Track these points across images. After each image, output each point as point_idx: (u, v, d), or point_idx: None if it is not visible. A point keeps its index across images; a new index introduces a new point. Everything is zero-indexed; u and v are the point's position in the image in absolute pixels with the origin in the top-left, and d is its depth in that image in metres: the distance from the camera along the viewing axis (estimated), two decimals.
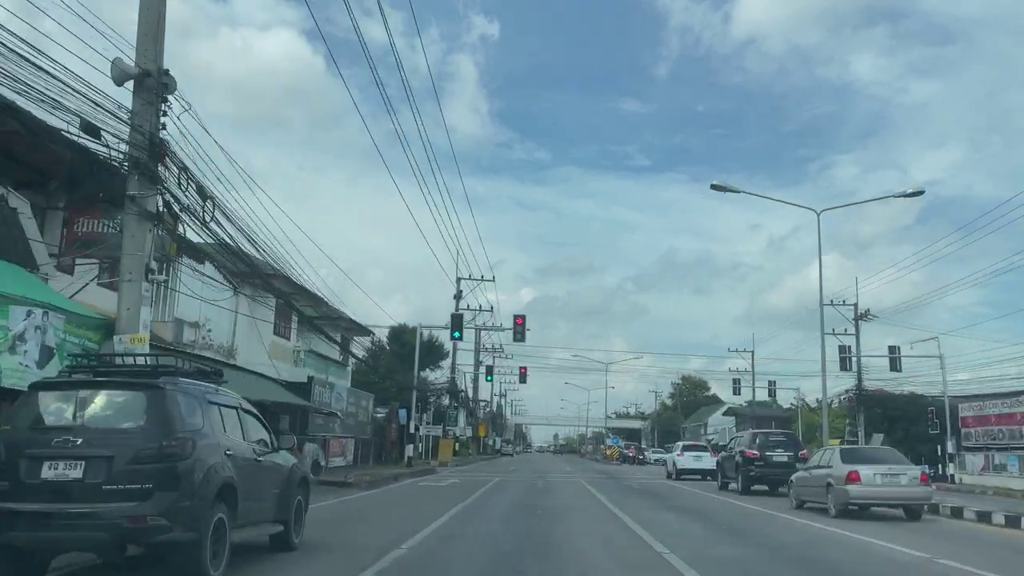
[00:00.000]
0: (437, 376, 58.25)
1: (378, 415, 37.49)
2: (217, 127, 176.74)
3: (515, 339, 32.14)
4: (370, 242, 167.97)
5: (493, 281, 46.07)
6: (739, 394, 60.70)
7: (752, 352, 73.46)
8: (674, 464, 30.56)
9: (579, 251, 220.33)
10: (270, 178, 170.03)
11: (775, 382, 59.04)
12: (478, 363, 60.29)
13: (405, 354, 57.59)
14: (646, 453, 59.43)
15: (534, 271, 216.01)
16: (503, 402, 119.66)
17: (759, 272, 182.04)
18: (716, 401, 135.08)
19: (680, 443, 32.83)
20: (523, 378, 54.22)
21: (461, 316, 33.53)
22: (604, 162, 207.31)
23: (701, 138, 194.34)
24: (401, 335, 59.99)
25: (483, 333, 65.26)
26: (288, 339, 25.68)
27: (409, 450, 32.98)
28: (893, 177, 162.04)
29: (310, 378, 25.09)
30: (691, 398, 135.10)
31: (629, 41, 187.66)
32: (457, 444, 54.59)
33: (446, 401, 55.22)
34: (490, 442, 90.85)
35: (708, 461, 30.16)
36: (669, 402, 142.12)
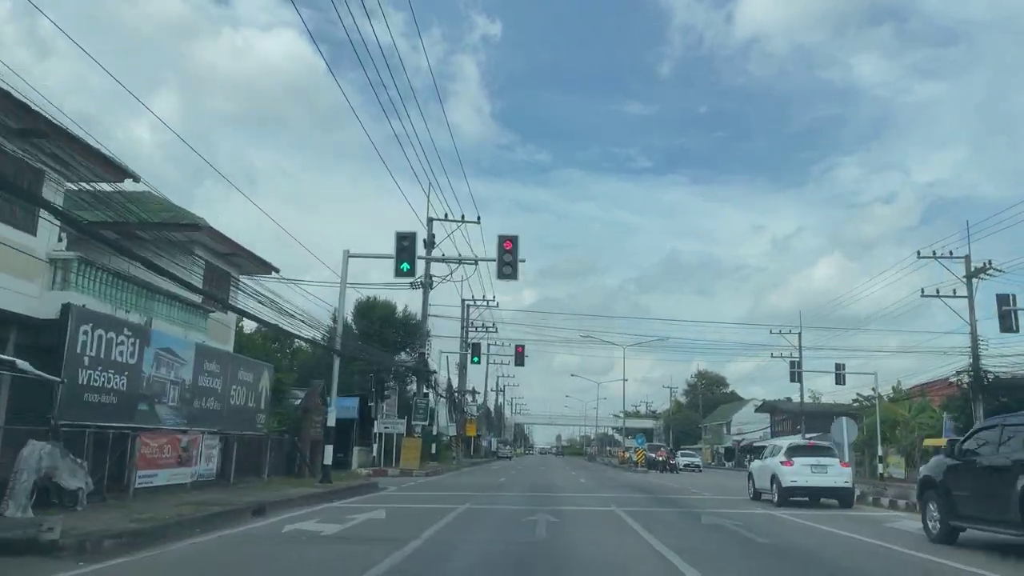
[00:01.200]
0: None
1: (294, 401, 24.61)
2: (218, 126, 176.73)
3: (500, 275, 19.27)
4: (373, 242, 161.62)
5: (478, 223, 33.17)
6: (799, 380, 47.38)
7: (800, 334, 60.73)
8: (774, 478, 17.54)
9: (581, 253, 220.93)
10: (271, 177, 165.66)
11: (844, 365, 45.85)
12: (465, 341, 47.41)
13: (373, 332, 45.10)
14: (677, 457, 46.45)
15: (536, 273, 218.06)
16: (501, 399, 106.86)
17: (762, 273, 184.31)
18: (736, 398, 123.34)
19: (785, 442, 19.26)
20: (519, 359, 41.45)
21: (410, 237, 20.44)
22: (606, 164, 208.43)
23: (703, 140, 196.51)
24: (369, 311, 47.21)
25: (472, 311, 52.65)
26: (31, 234, 12.75)
27: (327, 455, 20.01)
28: (897, 178, 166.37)
29: (68, 308, 12.20)
30: (708, 395, 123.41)
31: (631, 42, 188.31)
32: (435, 445, 41.77)
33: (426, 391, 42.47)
34: (484, 443, 77.91)
35: (838, 474, 17.23)
36: (683, 399, 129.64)
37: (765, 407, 76.77)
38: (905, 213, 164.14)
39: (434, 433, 42.01)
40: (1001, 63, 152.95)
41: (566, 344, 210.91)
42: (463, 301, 52.13)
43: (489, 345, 76.62)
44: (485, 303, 51.66)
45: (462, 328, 51.98)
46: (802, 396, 59.83)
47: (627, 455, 57.45)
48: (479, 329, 53.81)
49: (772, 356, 61.08)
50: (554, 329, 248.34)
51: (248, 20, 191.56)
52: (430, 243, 34.27)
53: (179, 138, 58.27)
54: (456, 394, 51.90)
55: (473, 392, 57.97)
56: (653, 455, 43.10)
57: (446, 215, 33.73)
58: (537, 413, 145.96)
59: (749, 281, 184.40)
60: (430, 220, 34.46)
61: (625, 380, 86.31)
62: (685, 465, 47.59)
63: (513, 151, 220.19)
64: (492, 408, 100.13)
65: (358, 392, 34.51)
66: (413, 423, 33.71)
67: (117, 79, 10.95)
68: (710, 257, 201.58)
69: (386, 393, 32.55)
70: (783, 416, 71.51)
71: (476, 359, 43.15)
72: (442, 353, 43.71)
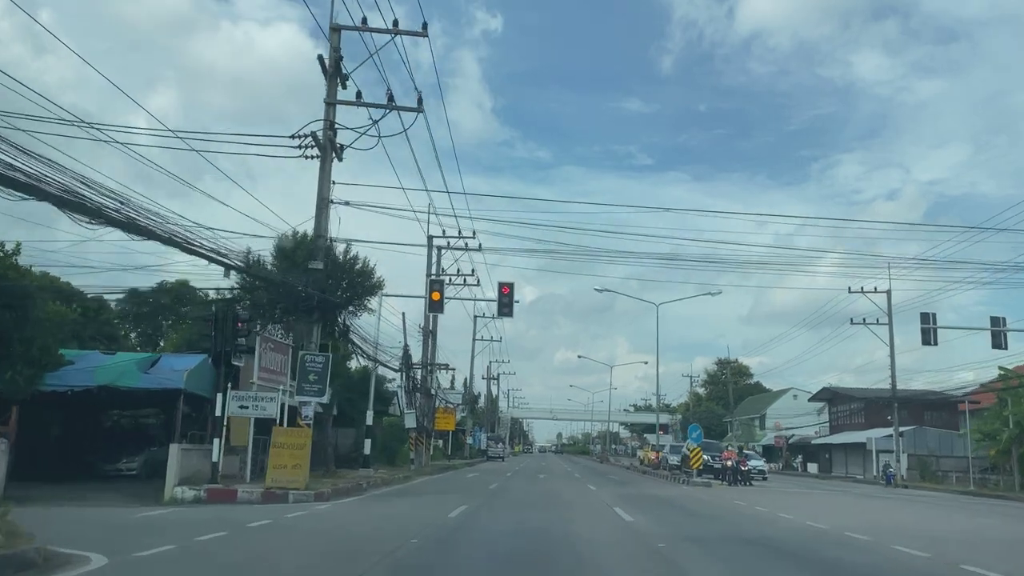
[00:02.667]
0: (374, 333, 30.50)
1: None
2: (218, 123, 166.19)
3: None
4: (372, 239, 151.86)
5: (424, 34, 17.54)
6: (1004, 347, 30.34)
7: (888, 293, 45.23)
8: None
9: (581, 251, 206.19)
10: (271, 174, 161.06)
11: (1003, 319, 30.04)
12: (435, 275, 31.83)
13: (298, 275, 29.74)
14: (749, 463, 30.80)
15: (536, 269, 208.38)
16: (495, 390, 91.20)
17: (763, 271, 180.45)
18: (761, 389, 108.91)
19: None
20: (506, 306, 25.90)
21: None
22: (606, 161, 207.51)
23: (703, 137, 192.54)
24: (293, 252, 31.74)
25: (443, 251, 37.34)
26: None
27: None
28: (897, 176, 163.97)
29: None
30: (730, 387, 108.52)
31: (632, 39, 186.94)
32: (372, 442, 26.25)
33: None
34: (469, 440, 62.33)
35: None
36: (702, 391, 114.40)
37: (823, 395, 60.99)
38: (907, 211, 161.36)
39: (369, 423, 26.46)
40: (1002, 61, 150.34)
41: (566, 339, 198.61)
42: (430, 239, 36.64)
43: (476, 318, 61.36)
44: (463, 245, 36.20)
45: (428, 276, 36.46)
46: (893, 375, 44.33)
47: (659, 456, 41.91)
48: (455, 278, 38.28)
49: (852, 323, 45.89)
50: (554, 329, 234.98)
51: (247, 15, 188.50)
52: (334, 70, 18.72)
53: (172, 132, 42.87)
54: (417, 369, 36.29)
55: (433, 365, 42.24)
56: (721, 459, 27.76)
57: (363, 21, 18.08)
58: (537, 408, 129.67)
59: (751, 278, 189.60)
60: (334, 29, 18.88)
61: (644, 362, 70.71)
62: (756, 471, 32.10)
63: (513, 148, 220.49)
64: (483, 400, 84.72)
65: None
66: (301, 400, 18.06)
67: (109, 79, 9.05)
68: (710, 254, 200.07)
69: (240, 341, 16.93)
70: (854, 406, 55.80)
71: (436, 305, 27.23)
72: (384, 295, 28.30)
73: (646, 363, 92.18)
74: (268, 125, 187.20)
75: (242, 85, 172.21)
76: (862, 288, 45.31)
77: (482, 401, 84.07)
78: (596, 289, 41.69)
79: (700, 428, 29.28)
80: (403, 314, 33.72)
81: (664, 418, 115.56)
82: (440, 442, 55.81)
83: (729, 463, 27.17)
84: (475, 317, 60.92)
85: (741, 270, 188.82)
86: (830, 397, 60.08)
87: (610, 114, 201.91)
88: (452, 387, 63.27)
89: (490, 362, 78.73)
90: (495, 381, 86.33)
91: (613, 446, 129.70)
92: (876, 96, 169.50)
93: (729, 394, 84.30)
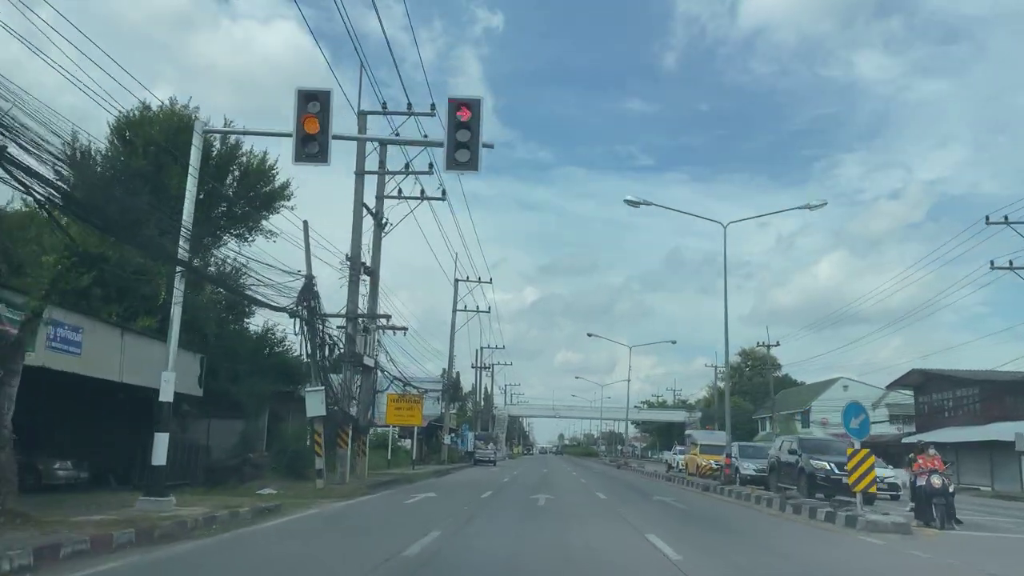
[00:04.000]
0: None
1: None
2: (218, 121, 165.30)
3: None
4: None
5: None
6: None
7: None
8: None
9: (582, 251, 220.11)
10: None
11: None
12: (375, 185, 18.17)
13: (148, 174, 16.19)
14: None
15: (537, 270, 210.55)
16: (489, 384, 76.95)
17: (765, 271, 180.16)
18: (791, 382, 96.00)
19: None
20: (464, 148, 12.12)
21: None
22: (607, 162, 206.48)
23: (704, 138, 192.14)
24: (140, 125, 17.88)
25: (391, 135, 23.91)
26: None
27: None
28: (899, 176, 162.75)
29: None
30: (755, 380, 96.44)
31: (633, 38, 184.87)
32: (166, 444, 12.23)
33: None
34: (448, 440, 48.08)
35: None
36: (721, 385, 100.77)
37: (910, 379, 46.41)
38: (909, 210, 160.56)
39: (168, 398, 12.38)
40: (1004, 60, 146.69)
41: (568, 340, 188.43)
42: (361, 115, 22.69)
43: (457, 282, 47.30)
44: (423, 135, 22.18)
45: (360, 157, 22.41)
46: None
47: (726, 462, 27.54)
48: (403, 181, 24.29)
49: (993, 267, 31.89)
50: (555, 329, 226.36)
51: (247, 13, 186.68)
52: None
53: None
54: (341, 326, 22.12)
55: (393, 328, 27.99)
56: (929, 478, 12.98)
57: None
58: (539, 407, 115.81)
59: (753, 279, 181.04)
60: None
61: (673, 343, 56.60)
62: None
63: (514, 148, 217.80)
64: (476, 397, 70.73)
65: None
66: None
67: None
68: (713, 254, 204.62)
69: None
70: (963, 392, 41.38)
71: (310, 146, 13.10)
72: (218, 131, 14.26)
73: (674, 343, 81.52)
74: (266, 122, 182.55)
75: (241, 82, 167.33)
76: (1005, 218, 31.33)
77: (473, 402, 70.25)
78: (627, 200, 27.77)
79: (864, 409, 15.15)
80: (305, 222, 19.58)
81: (681, 415, 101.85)
82: (408, 442, 41.95)
83: (936, 482, 13.10)
84: (456, 281, 46.96)
85: (740, 271, 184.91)
86: (921, 382, 45.74)
87: (611, 114, 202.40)
88: (444, 379, 49.74)
89: (480, 348, 64.58)
90: (487, 371, 72.13)
91: (619, 447, 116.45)
92: (878, 95, 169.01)
93: (769, 383, 70.10)
